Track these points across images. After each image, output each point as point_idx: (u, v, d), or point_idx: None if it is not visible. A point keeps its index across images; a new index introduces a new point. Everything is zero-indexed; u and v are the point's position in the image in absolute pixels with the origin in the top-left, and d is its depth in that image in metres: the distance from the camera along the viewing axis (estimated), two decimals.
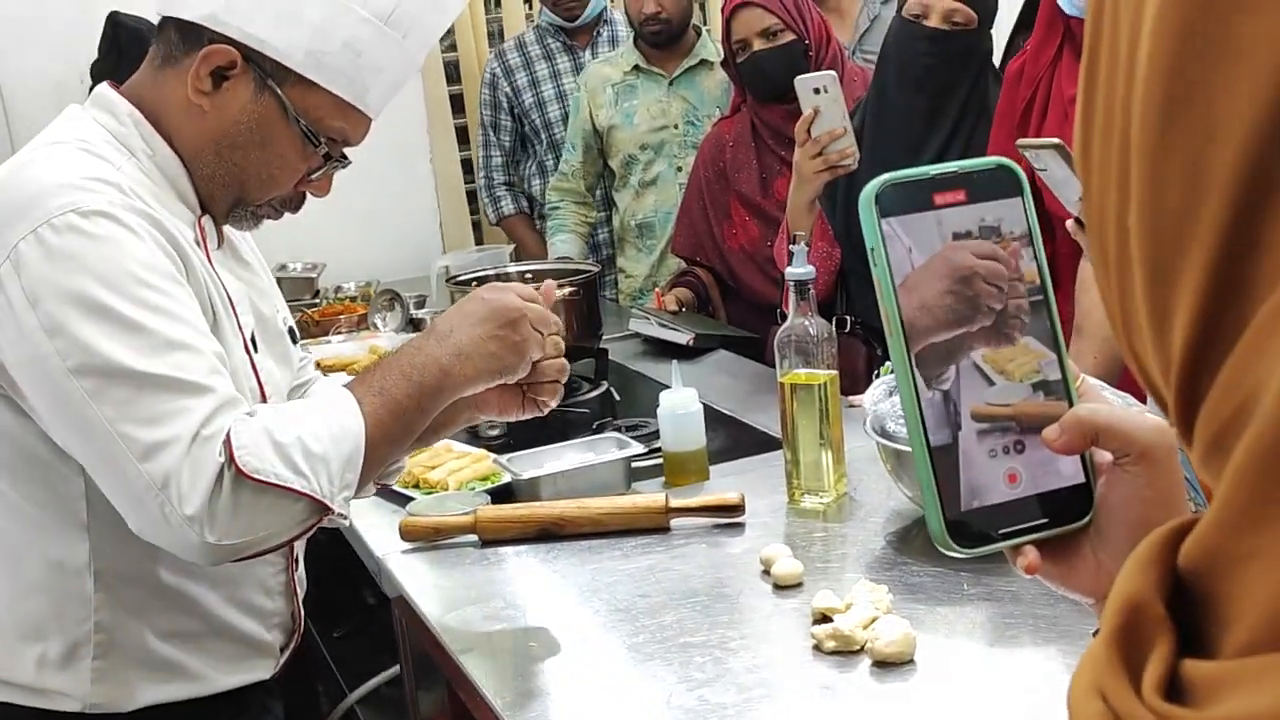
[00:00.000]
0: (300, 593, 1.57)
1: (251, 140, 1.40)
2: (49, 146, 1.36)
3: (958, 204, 0.68)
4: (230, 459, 1.23)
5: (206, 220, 1.44)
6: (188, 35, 1.37)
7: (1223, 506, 0.37)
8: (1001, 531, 0.68)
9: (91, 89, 2.19)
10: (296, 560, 1.56)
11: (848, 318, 2.49)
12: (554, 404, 1.53)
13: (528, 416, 1.53)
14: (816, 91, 2.23)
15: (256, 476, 1.23)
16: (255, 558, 1.31)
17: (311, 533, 1.33)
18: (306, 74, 1.38)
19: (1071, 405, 0.69)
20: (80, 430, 1.25)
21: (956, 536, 0.67)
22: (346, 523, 1.43)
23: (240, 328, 1.42)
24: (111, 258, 1.25)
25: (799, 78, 2.27)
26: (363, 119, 1.45)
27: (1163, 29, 0.37)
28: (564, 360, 1.50)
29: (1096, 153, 0.43)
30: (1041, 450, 0.68)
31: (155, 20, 1.44)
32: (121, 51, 2.18)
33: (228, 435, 1.24)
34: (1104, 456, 0.69)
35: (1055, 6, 2.07)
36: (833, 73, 2.27)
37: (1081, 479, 0.69)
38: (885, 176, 0.68)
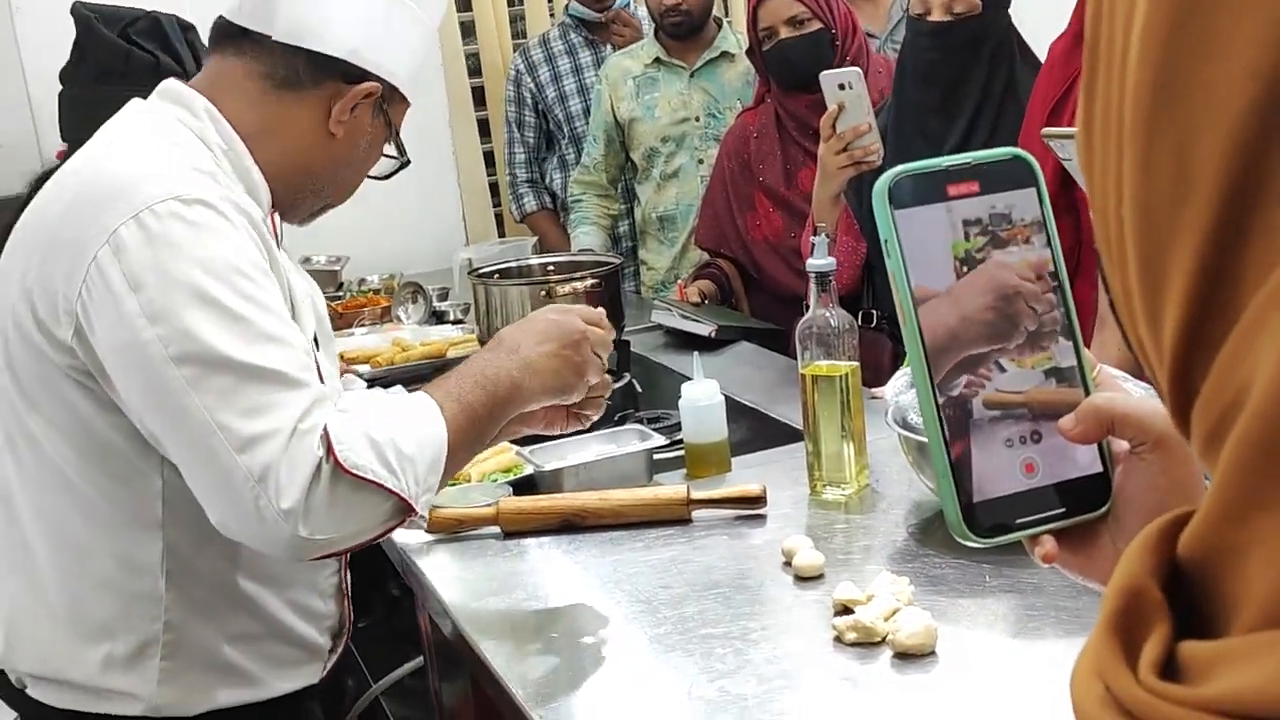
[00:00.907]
0: (349, 597, 1.58)
1: (361, 157, 1.49)
2: (130, 136, 1.37)
3: (971, 195, 0.68)
4: (329, 453, 1.24)
5: (277, 216, 1.47)
6: (321, 66, 1.42)
7: (1216, 498, 0.38)
8: (1019, 521, 0.68)
9: (62, 92, 2.19)
10: (348, 565, 1.57)
11: (874, 312, 2.48)
12: (595, 418, 1.57)
13: (570, 431, 1.58)
14: (841, 87, 2.23)
15: (355, 471, 1.24)
16: (334, 557, 1.32)
17: (388, 535, 1.34)
18: (407, 95, 1.49)
19: (1088, 394, 0.69)
20: (175, 420, 1.24)
21: (973, 526, 0.67)
22: (423, 528, 1.45)
23: (304, 326, 1.44)
24: (213, 246, 1.26)
25: (824, 73, 2.27)
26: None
27: (1152, 24, 0.38)
28: (609, 377, 1.54)
29: (1097, 144, 0.43)
30: (1058, 440, 0.68)
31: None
32: (84, 53, 2.16)
33: (325, 430, 1.24)
34: (1121, 446, 0.69)
35: None
36: (858, 69, 2.27)
37: (1099, 468, 0.69)
38: (898, 168, 0.68)
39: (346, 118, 1.44)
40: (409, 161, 1.56)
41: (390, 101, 1.48)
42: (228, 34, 1.43)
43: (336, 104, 1.43)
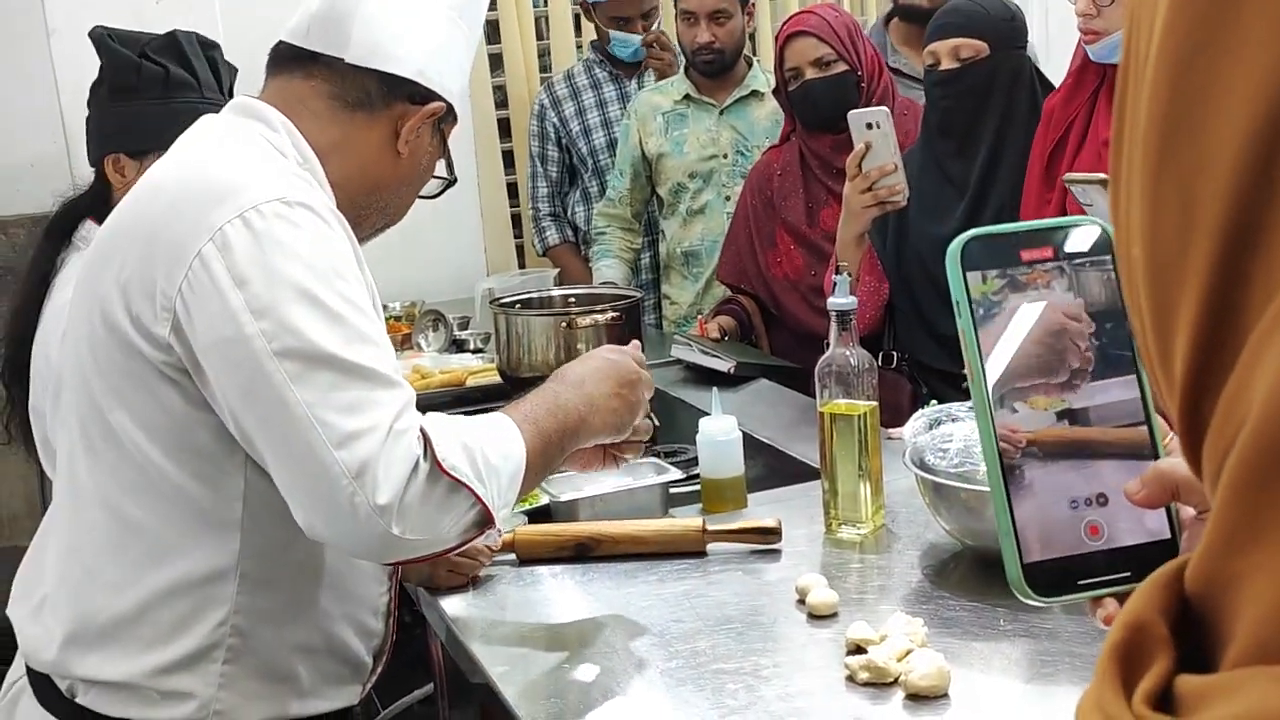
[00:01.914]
0: (395, 616, 1.58)
1: (421, 175, 1.54)
2: (225, 144, 1.40)
3: (1044, 260, 0.68)
4: (428, 450, 1.26)
5: None
6: (392, 87, 1.45)
7: (1215, 527, 0.38)
8: (1081, 583, 0.67)
9: (88, 116, 2.20)
10: (398, 585, 1.58)
11: (894, 353, 2.49)
12: (633, 460, 1.63)
13: (604, 472, 1.62)
14: (869, 126, 2.24)
15: (452, 473, 1.26)
16: (415, 563, 1.34)
17: (465, 547, 1.35)
18: (457, 112, 1.53)
19: (1157, 459, 0.68)
20: (274, 414, 1.25)
21: (1034, 585, 0.66)
22: (498, 542, 1.47)
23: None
24: (316, 248, 1.29)
25: (852, 112, 2.29)
26: None
27: (1159, 69, 0.39)
28: (649, 421, 1.58)
29: (1122, 188, 0.44)
30: (1124, 504, 0.67)
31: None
32: (101, 73, 2.18)
33: (422, 430, 1.27)
34: (1188, 512, 0.69)
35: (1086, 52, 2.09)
36: (885, 109, 2.28)
37: (1167, 534, 0.68)
38: (972, 231, 0.69)
39: (414, 137, 1.47)
40: (456, 180, 1.61)
41: (446, 120, 1.52)
42: (293, 56, 1.46)
43: (405, 124, 1.46)
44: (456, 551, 1.36)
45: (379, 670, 1.56)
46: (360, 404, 1.24)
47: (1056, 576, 0.67)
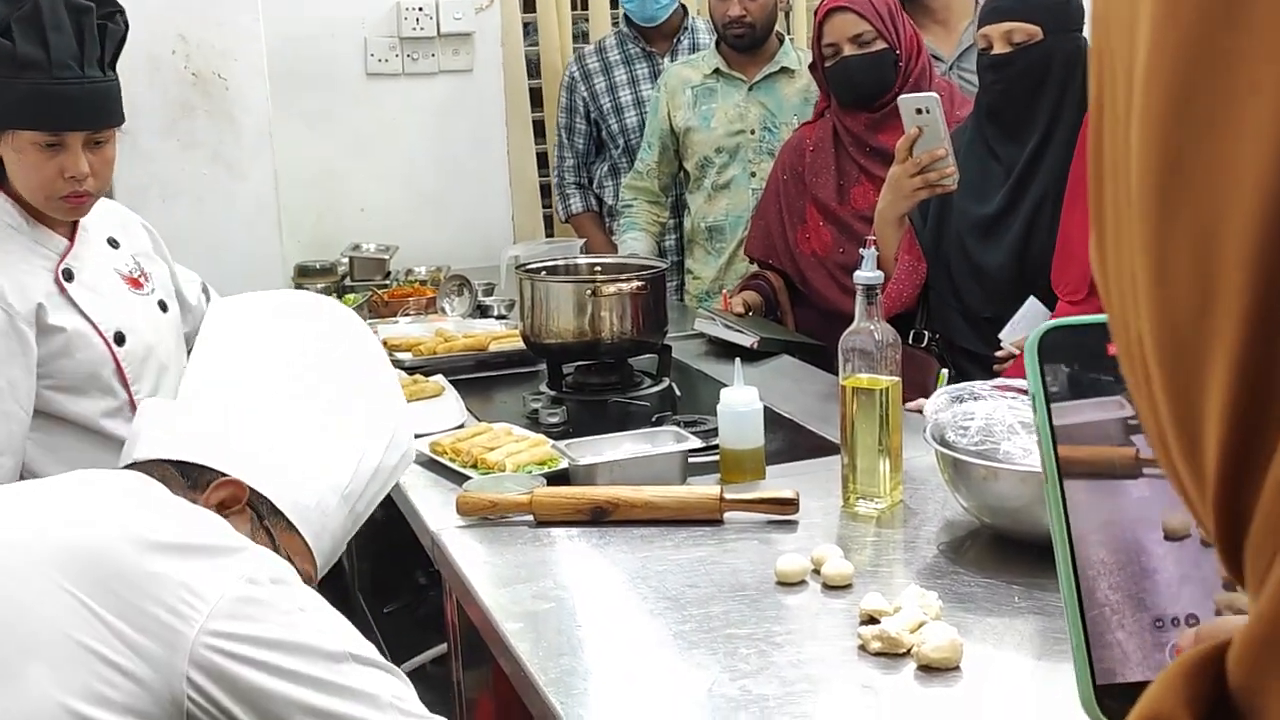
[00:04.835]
0: None
1: None
2: None
3: None
4: None
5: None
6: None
7: (1261, 621, 0.34)
8: None
9: None
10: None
11: (926, 332, 2.48)
12: None
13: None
14: (919, 112, 2.25)
15: None
16: None
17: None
18: None
19: None
20: None
21: (1106, 709, 0.60)
22: None
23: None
24: None
25: (902, 97, 2.31)
26: None
27: (1153, 105, 0.34)
28: None
29: (1109, 256, 0.38)
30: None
31: None
32: None
33: None
34: None
35: None
36: (935, 95, 2.29)
37: None
38: (1053, 322, 0.60)
39: None
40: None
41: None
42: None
43: None
44: None
45: None
46: None
47: (1133, 700, 0.61)
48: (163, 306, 2.09)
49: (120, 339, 1.98)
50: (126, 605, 1.19)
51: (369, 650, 1.28)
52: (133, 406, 1.96)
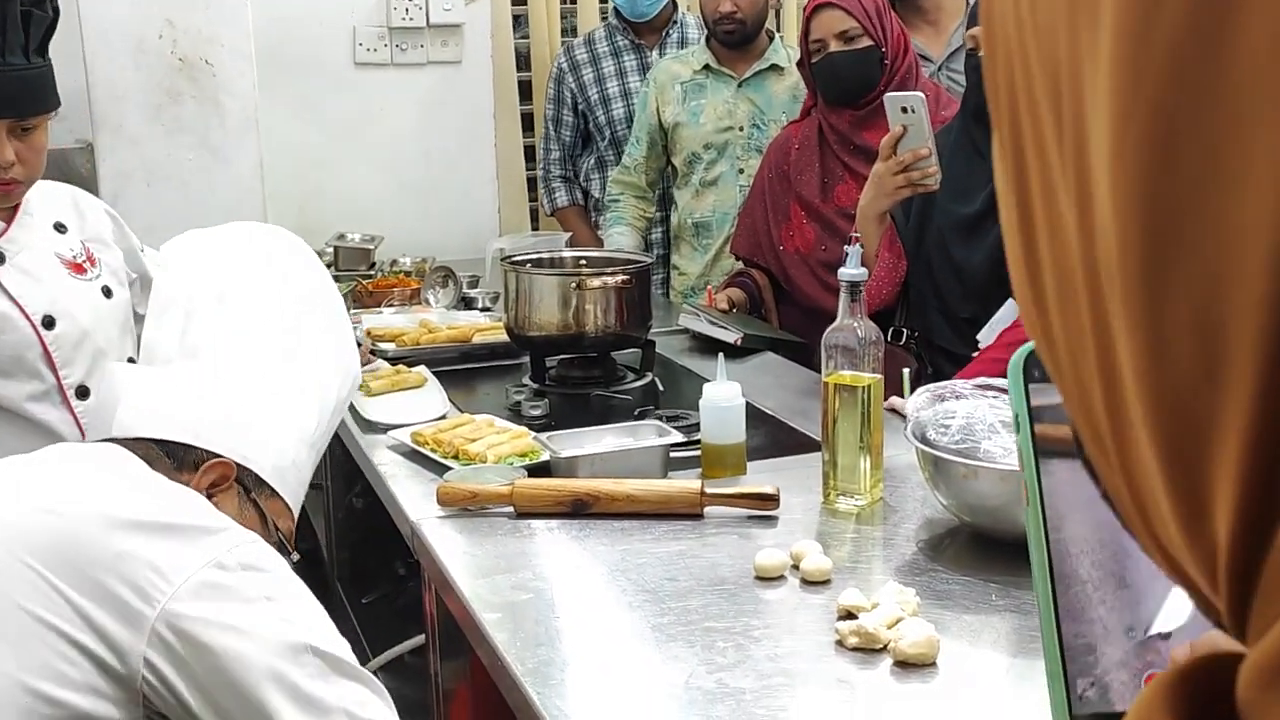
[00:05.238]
0: None
1: None
2: None
3: None
4: None
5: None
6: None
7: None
8: None
9: None
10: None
11: (905, 329, 2.49)
12: None
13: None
14: (904, 110, 2.26)
15: None
16: None
17: None
18: None
19: None
20: None
21: None
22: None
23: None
24: None
25: (888, 95, 2.32)
26: None
27: (1125, 162, 0.30)
28: None
29: (1058, 328, 0.35)
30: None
31: None
32: None
33: None
34: None
35: None
36: (921, 94, 2.29)
37: None
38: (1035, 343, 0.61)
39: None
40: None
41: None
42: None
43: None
44: None
45: None
46: None
47: None
48: (106, 292, 2.07)
49: (50, 323, 1.97)
50: (93, 584, 1.20)
51: (336, 649, 1.27)
52: (61, 391, 1.97)
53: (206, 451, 1.45)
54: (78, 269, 2.06)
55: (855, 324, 1.78)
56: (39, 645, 1.18)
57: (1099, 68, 0.30)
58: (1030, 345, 0.55)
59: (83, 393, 1.97)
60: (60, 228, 2.07)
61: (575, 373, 2.53)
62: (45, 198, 2.06)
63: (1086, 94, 0.31)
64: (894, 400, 1.98)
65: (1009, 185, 0.36)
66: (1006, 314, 2.26)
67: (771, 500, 1.74)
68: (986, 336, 2.27)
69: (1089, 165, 0.31)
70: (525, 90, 4.23)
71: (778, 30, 4.03)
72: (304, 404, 1.55)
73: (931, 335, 2.45)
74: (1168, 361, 0.30)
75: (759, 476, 1.89)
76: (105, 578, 1.20)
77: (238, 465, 1.46)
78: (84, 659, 1.19)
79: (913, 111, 2.26)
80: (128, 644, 1.19)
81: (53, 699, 1.18)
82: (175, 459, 1.43)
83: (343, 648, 1.28)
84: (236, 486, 1.46)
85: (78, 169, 3.16)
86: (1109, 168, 0.30)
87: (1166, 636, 0.57)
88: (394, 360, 2.59)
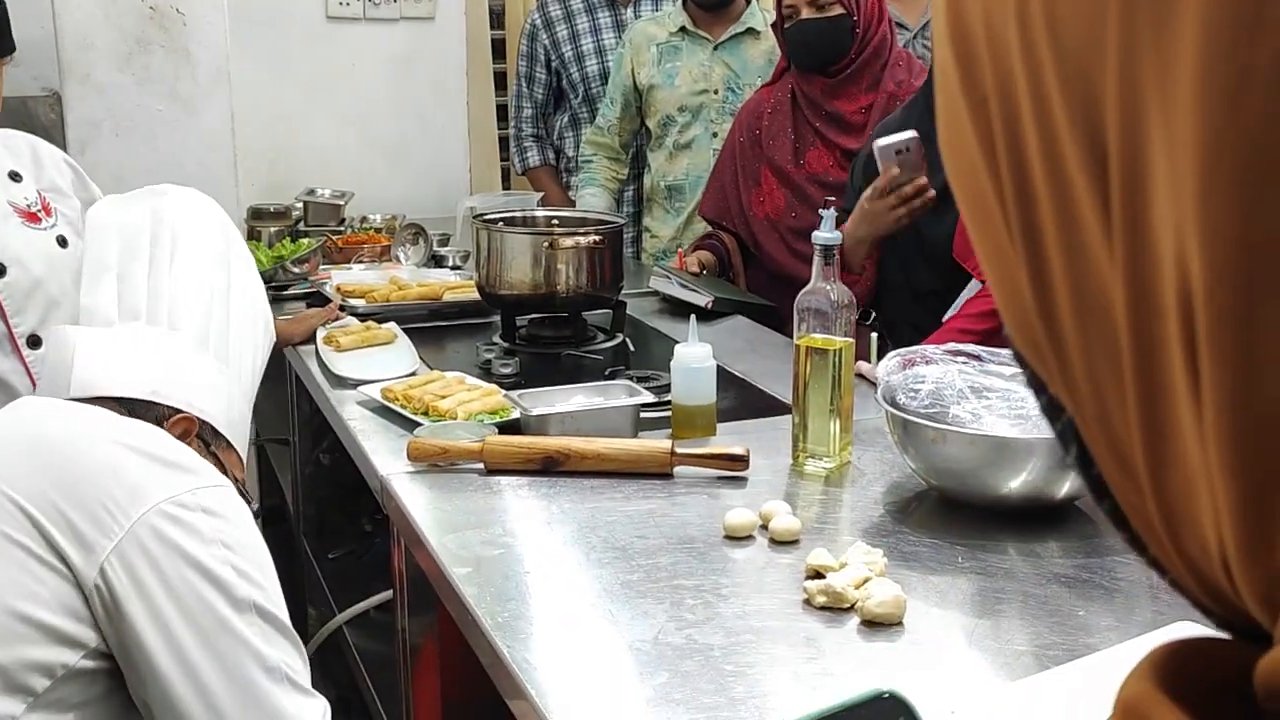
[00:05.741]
0: None
1: None
2: None
3: None
4: None
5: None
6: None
7: None
8: None
9: None
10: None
11: (872, 311, 2.49)
12: None
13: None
14: (899, 153, 2.26)
15: None
16: None
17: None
18: None
19: None
20: None
21: None
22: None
23: None
24: None
25: (879, 144, 2.29)
26: None
27: (1221, 206, 0.27)
28: None
29: (1072, 343, 0.33)
30: None
31: None
32: None
33: None
34: None
35: None
36: (915, 133, 2.27)
37: None
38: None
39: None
40: None
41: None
42: None
43: None
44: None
45: None
46: None
47: None
48: (62, 242, 2.06)
49: (0, 270, 1.96)
50: (55, 502, 1.24)
51: (279, 612, 1.31)
52: (12, 339, 1.97)
53: (168, 407, 1.48)
54: (32, 218, 2.04)
55: (828, 287, 1.79)
56: (7, 563, 1.21)
57: (1175, 96, 0.27)
58: None
59: (34, 342, 1.96)
60: (15, 176, 2.06)
61: (546, 332, 2.53)
62: (2, 145, 2.04)
63: (1152, 124, 0.28)
64: (861, 365, 1.99)
65: (993, 212, 0.33)
66: (973, 293, 2.28)
67: (741, 461, 1.75)
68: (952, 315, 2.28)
69: (1148, 200, 0.29)
70: (499, 48, 4.21)
71: None
72: (241, 359, 1.60)
73: (898, 311, 2.46)
74: (1258, 398, 0.28)
75: (729, 438, 1.90)
76: (78, 489, 1.25)
77: (198, 420, 1.49)
78: (50, 575, 1.22)
79: (908, 151, 2.26)
80: (84, 561, 1.23)
81: (30, 618, 1.21)
82: (138, 417, 1.44)
83: (284, 614, 1.32)
84: (197, 441, 1.49)
85: (43, 117, 3.12)
86: (1198, 205, 0.27)
87: None
88: (363, 316, 2.58)
